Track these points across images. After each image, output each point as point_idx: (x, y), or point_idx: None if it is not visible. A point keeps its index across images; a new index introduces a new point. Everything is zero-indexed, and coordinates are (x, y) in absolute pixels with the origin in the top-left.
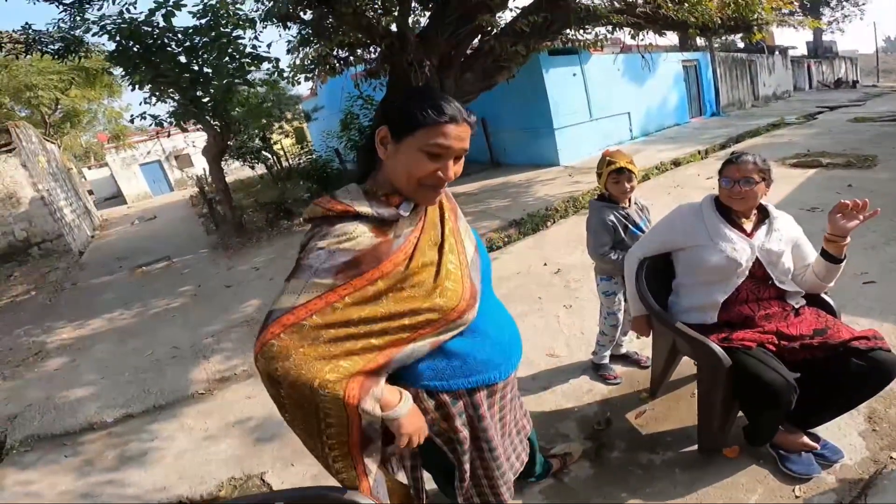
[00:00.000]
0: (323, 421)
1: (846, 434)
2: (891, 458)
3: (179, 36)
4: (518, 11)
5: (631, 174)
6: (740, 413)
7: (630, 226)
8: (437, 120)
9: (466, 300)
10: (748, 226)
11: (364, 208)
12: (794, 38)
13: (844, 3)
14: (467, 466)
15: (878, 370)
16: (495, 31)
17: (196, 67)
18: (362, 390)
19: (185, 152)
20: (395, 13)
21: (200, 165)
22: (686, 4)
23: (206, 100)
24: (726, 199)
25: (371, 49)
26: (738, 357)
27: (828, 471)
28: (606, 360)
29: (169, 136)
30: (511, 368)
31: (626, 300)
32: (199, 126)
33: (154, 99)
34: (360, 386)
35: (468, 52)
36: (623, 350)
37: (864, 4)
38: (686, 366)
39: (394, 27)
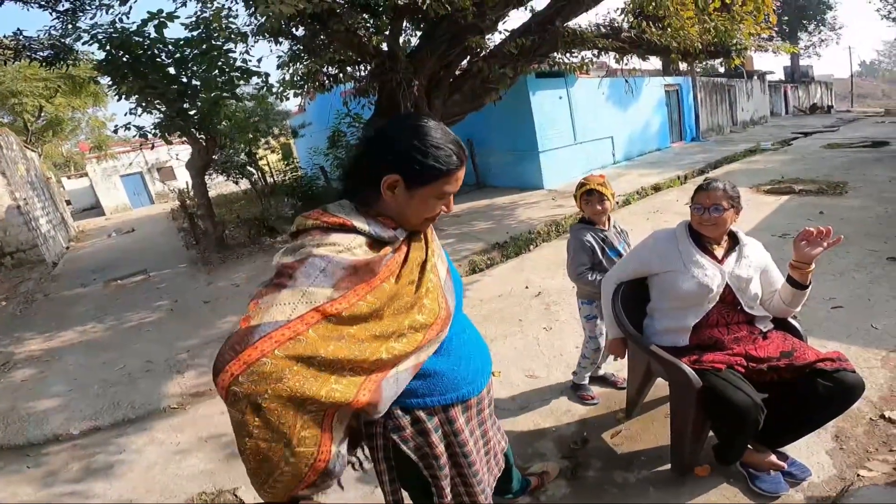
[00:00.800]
0: (289, 447)
1: (814, 452)
2: (857, 475)
3: (170, 47)
4: (507, 34)
5: (602, 195)
6: (711, 433)
7: (607, 248)
8: (451, 170)
9: (442, 319)
10: (719, 252)
11: (362, 224)
12: (772, 62)
13: (822, 28)
14: (445, 483)
15: (843, 390)
16: (484, 52)
17: (185, 79)
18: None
19: (168, 165)
20: (387, 33)
21: (183, 179)
22: (669, 30)
23: (192, 112)
24: (697, 225)
25: (361, 67)
26: (708, 378)
27: (796, 489)
28: (586, 382)
29: (153, 148)
30: (483, 384)
31: None
32: (183, 139)
33: (140, 110)
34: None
35: (457, 73)
36: (601, 372)
37: (840, 29)
38: (660, 387)
39: (384, 46)
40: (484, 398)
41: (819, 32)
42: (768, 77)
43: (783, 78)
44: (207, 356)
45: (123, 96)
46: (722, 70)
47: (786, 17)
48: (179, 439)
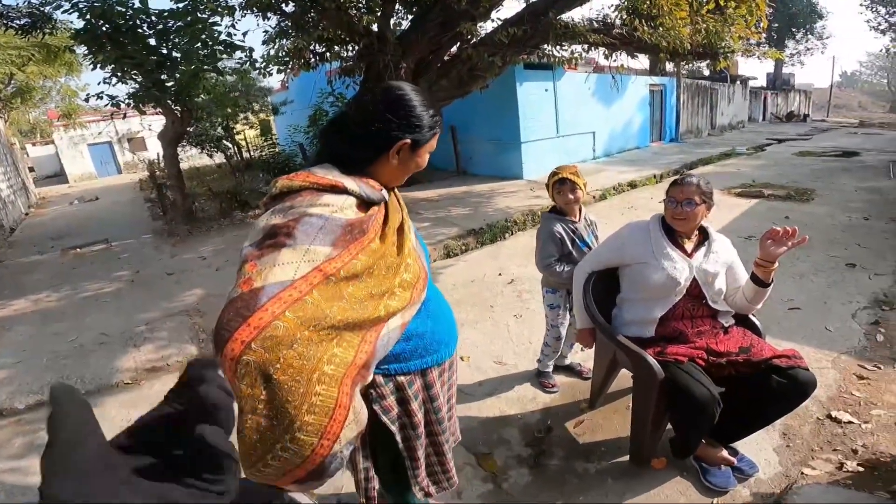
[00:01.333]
0: (290, 431)
1: (762, 449)
2: (801, 473)
3: (153, 18)
4: (499, 22)
5: (574, 185)
6: (668, 427)
7: (577, 240)
8: (438, 128)
9: (423, 279)
10: (689, 246)
11: (353, 186)
12: (755, 68)
13: (809, 36)
14: (421, 453)
15: (796, 387)
16: (475, 39)
17: (165, 51)
18: (351, 401)
19: (139, 135)
20: (379, 13)
21: (155, 150)
22: (661, 29)
23: (170, 84)
24: (670, 218)
25: (348, 47)
26: (670, 370)
27: (743, 484)
28: (549, 370)
29: (124, 117)
30: (455, 346)
31: (571, 313)
32: (158, 110)
33: (115, 79)
34: (349, 395)
35: (445, 58)
36: (567, 361)
37: (827, 38)
38: (623, 379)
39: (374, 27)
40: (454, 362)
41: (806, 41)
42: (751, 83)
43: (765, 84)
44: (167, 329)
45: (99, 65)
46: (707, 73)
47: (776, 24)
48: (132, 416)
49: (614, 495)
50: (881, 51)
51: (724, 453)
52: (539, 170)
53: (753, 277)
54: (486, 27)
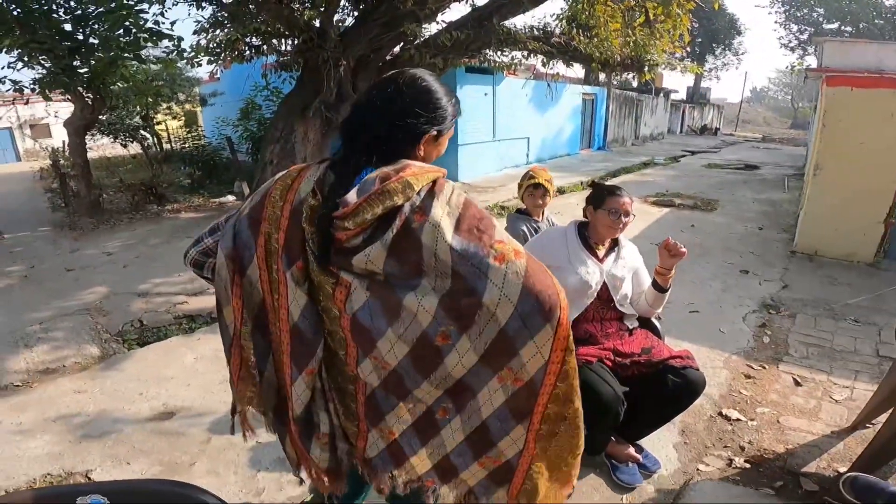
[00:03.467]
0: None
1: (664, 446)
2: (697, 469)
3: (71, 3)
4: (444, 25)
5: (546, 191)
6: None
7: None
8: (459, 111)
9: None
10: (601, 252)
11: None
12: (678, 82)
13: (727, 52)
14: None
15: (688, 386)
16: (418, 41)
17: (81, 36)
18: None
19: (43, 122)
20: (322, 9)
21: (60, 137)
22: (595, 40)
23: (82, 70)
24: (606, 228)
25: (287, 41)
26: (582, 371)
27: (648, 480)
28: None
29: (27, 103)
30: None
31: None
32: (66, 96)
33: (21, 64)
34: None
35: (388, 57)
36: None
37: (742, 54)
38: None
39: (316, 22)
40: None
41: (724, 56)
42: (672, 96)
43: (685, 97)
44: (64, 329)
45: (4, 50)
46: (635, 84)
47: (700, 40)
48: (21, 419)
49: None
50: (787, 68)
51: (631, 450)
52: (474, 173)
53: (654, 283)
54: (431, 29)
